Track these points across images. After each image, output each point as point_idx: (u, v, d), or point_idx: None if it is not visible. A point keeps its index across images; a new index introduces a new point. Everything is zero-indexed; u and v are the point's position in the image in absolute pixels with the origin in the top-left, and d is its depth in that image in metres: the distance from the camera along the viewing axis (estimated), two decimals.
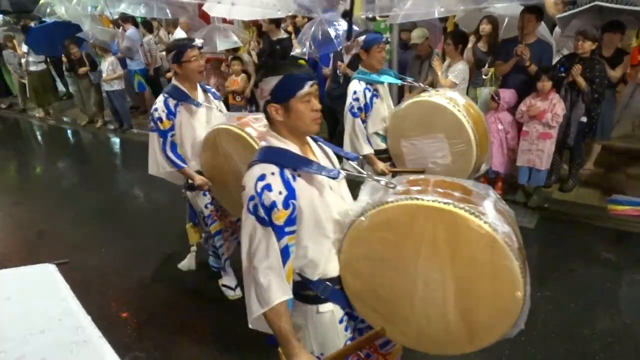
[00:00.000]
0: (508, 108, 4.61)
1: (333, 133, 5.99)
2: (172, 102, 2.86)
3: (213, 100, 3.06)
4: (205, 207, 3.14)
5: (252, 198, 1.54)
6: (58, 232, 4.75)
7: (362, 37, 3.18)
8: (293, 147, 1.65)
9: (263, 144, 1.70)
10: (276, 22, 6.13)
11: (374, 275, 1.67)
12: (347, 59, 5.44)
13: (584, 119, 4.42)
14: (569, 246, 3.95)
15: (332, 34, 5.15)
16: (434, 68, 4.83)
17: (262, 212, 1.53)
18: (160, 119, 2.86)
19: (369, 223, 1.60)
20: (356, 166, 1.89)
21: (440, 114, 2.85)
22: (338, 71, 5.42)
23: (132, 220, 4.97)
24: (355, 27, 5.20)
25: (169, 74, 6.12)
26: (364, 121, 3.20)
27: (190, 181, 3.02)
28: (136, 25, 8.30)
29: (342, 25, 5.20)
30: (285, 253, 1.56)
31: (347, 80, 5.30)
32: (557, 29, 5.09)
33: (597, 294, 3.31)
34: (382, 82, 3.28)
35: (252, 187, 1.54)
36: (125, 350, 3.00)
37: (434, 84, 4.97)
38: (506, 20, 5.10)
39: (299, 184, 1.60)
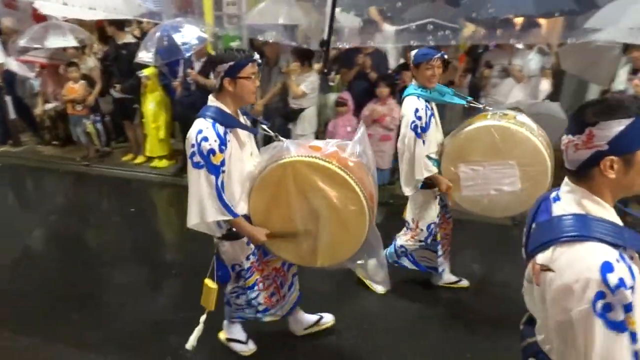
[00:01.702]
0: (354, 112, 5.00)
1: None
2: (221, 129, 2.21)
3: (261, 125, 2.61)
4: (247, 258, 2.52)
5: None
6: None
7: (413, 52, 2.98)
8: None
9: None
10: (117, 24, 5.74)
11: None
12: (197, 65, 5.34)
13: None
14: None
15: (179, 40, 4.98)
16: (287, 74, 5.02)
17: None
18: (213, 151, 2.15)
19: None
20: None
21: (515, 141, 2.76)
22: (188, 78, 5.28)
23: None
24: (203, 35, 5.12)
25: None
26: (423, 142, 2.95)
27: (221, 235, 2.42)
28: None
29: (189, 31, 5.07)
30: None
31: (201, 88, 5.27)
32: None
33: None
34: (445, 102, 3.08)
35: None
36: None
37: (286, 91, 5.17)
38: (346, 30, 5.49)
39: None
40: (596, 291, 1.11)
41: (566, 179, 1.34)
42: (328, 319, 3.06)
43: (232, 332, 2.90)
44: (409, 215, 3.25)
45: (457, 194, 2.97)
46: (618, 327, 1.13)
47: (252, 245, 2.48)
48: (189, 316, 2.70)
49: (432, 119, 2.96)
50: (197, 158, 2.16)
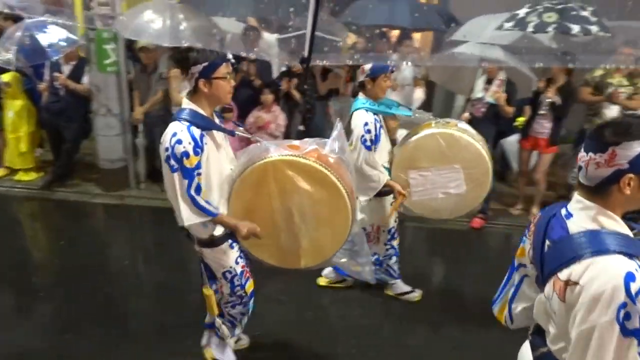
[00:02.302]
0: (237, 120, 4.96)
1: (58, 151, 5.34)
2: (196, 132, 2.15)
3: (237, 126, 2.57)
4: (236, 262, 2.43)
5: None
6: None
7: (369, 66, 3.08)
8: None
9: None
10: None
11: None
12: (67, 69, 4.93)
13: (301, 128, 5.09)
14: None
15: (44, 42, 4.56)
16: (169, 81, 4.83)
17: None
18: (186, 154, 2.11)
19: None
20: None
21: (460, 146, 2.97)
22: (56, 83, 4.85)
23: None
24: (72, 37, 4.75)
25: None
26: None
27: (208, 236, 2.32)
28: None
29: (56, 32, 4.66)
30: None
31: (71, 93, 4.85)
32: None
33: None
34: (393, 113, 3.17)
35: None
36: None
37: (168, 98, 4.97)
38: (228, 36, 5.45)
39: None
40: (622, 301, 1.18)
41: (577, 196, 1.38)
42: (244, 341, 2.96)
43: (224, 354, 2.70)
44: (367, 222, 3.27)
45: (407, 200, 3.12)
46: (633, 334, 1.19)
47: (236, 248, 2.41)
48: (61, 341, 2.47)
49: (382, 130, 3.10)
50: (172, 162, 2.12)
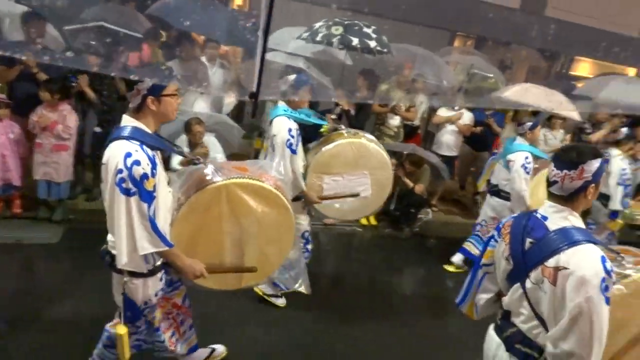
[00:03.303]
0: (17, 118, 4.26)
1: None
2: (150, 152, 2.03)
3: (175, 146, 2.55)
4: (156, 294, 2.28)
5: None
6: None
7: (293, 77, 3.28)
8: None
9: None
10: None
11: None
12: None
13: (98, 129, 4.62)
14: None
15: None
16: None
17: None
18: (146, 175, 1.97)
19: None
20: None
21: (369, 154, 3.34)
22: None
23: None
24: None
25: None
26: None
27: (147, 270, 2.15)
28: None
29: None
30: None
31: None
32: None
33: None
34: (311, 122, 3.35)
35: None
36: None
37: None
38: (7, 20, 4.65)
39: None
40: (602, 276, 1.59)
41: (549, 203, 1.81)
42: (220, 350, 2.95)
43: None
44: None
45: (319, 204, 3.38)
46: (608, 301, 1.60)
47: (163, 280, 2.28)
48: None
49: (299, 138, 3.25)
50: (127, 184, 1.94)
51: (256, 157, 4.67)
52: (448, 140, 5.93)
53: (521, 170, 3.92)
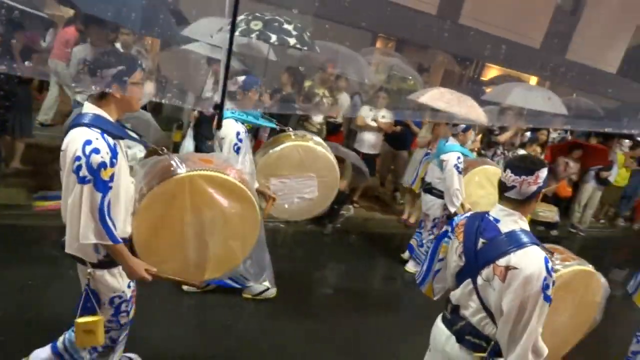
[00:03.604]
0: None
1: None
2: (111, 141, 1.97)
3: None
4: (128, 286, 2.25)
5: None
6: None
7: (242, 78, 3.28)
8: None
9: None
10: None
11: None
12: None
13: None
14: None
15: None
16: None
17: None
18: (104, 164, 1.92)
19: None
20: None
21: (316, 157, 3.36)
22: None
23: None
24: None
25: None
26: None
27: (97, 260, 2.09)
28: None
29: None
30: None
31: None
32: None
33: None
34: (259, 124, 3.42)
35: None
36: None
37: None
38: None
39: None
40: (544, 276, 1.76)
41: (500, 206, 1.96)
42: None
43: None
44: None
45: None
46: (548, 299, 1.79)
47: None
48: None
49: (247, 141, 3.24)
50: (83, 172, 1.91)
51: (175, 150, 4.49)
52: (370, 139, 6.10)
53: (454, 169, 4.23)
